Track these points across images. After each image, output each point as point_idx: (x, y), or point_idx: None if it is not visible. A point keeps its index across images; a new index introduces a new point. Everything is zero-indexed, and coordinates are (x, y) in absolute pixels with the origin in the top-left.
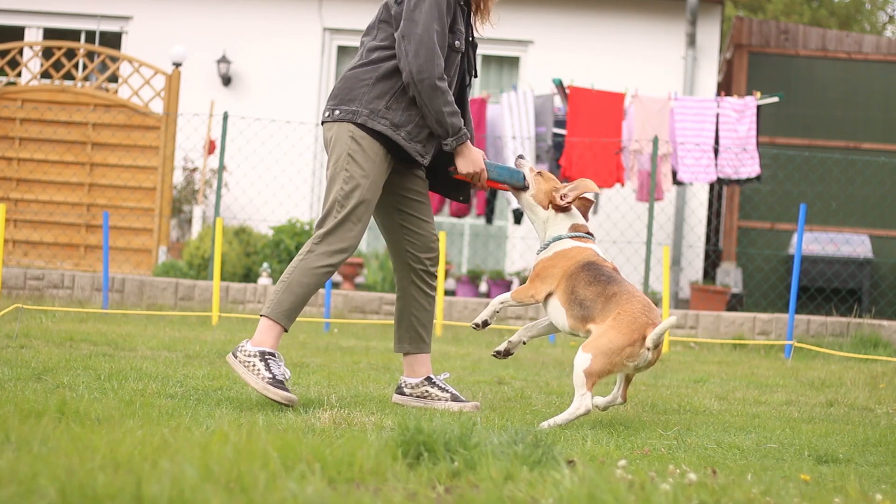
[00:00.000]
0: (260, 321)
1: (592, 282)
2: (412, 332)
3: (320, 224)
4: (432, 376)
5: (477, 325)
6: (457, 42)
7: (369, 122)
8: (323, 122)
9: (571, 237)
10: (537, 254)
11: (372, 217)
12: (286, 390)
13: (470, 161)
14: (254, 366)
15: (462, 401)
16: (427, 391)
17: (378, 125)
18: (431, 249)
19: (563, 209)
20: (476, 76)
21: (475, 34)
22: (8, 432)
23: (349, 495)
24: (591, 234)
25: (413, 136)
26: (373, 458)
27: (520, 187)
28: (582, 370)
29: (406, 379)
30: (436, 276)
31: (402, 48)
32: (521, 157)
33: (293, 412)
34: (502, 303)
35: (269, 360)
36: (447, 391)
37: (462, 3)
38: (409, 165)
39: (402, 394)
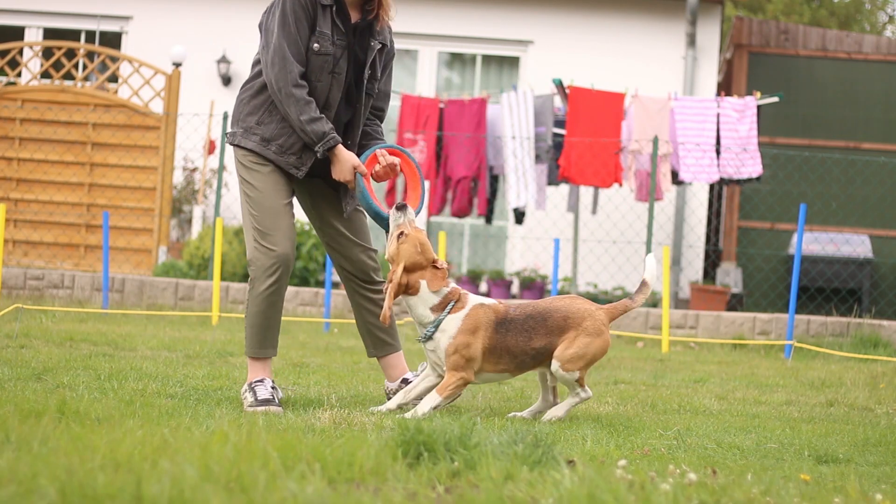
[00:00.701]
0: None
1: (531, 335)
2: (373, 336)
3: (248, 250)
4: (407, 376)
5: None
6: (315, 44)
7: (243, 142)
8: None
9: (449, 312)
10: (423, 342)
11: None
12: (268, 404)
13: (339, 169)
14: (245, 398)
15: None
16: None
17: (249, 142)
18: (365, 268)
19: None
20: (375, 81)
21: (382, 39)
22: (8, 432)
23: (349, 495)
24: (452, 293)
25: (285, 149)
26: (373, 458)
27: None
28: (573, 380)
29: (387, 384)
30: (378, 281)
31: (264, 59)
32: (399, 205)
33: (293, 412)
34: (434, 408)
35: (255, 387)
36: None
37: (326, 3)
38: (317, 181)
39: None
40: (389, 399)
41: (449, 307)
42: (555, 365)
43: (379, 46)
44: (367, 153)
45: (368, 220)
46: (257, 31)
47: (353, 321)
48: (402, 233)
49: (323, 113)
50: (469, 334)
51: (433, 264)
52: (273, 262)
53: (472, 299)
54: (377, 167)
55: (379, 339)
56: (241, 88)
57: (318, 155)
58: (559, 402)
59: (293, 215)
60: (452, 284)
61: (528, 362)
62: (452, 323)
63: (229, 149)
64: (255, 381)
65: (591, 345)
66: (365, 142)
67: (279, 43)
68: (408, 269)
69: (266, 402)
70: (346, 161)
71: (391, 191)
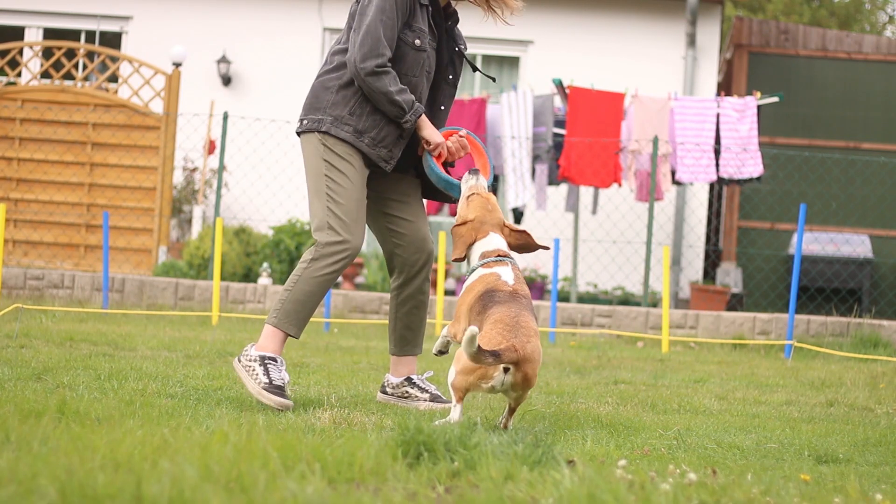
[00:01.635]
0: (264, 327)
1: (481, 311)
2: (398, 335)
3: (318, 234)
4: (413, 376)
5: (435, 353)
6: (416, 41)
7: (333, 130)
8: (297, 133)
9: (481, 265)
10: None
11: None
12: (283, 396)
13: (428, 133)
14: (253, 370)
15: (442, 401)
16: (407, 391)
17: (342, 132)
18: (421, 250)
19: (454, 260)
20: (456, 84)
21: (463, 44)
22: (8, 432)
23: (349, 495)
24: (503, 256)
25: (377, 142)
26: (373, 458)
27: (453, 202)
28: (448, 382)
29: (389, 378)
30: (428, 279)
31: (353, 40)
32: (472, 170)
33: (293, 412)
34: (445, 335)
35: (268, 365)
36: (427, 391)
37: (424, 3)
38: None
39: (385, 393)
40: (383, 391)
41: (485, 261)
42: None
43: (464, 51)
44: (439, 131)
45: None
46: (257, 30)
47: (353, 321)
48: (472, 194)
49: None
50: (467, 292)
51: (504, 225)
52: (345, 249)
53: (501, 269)
54: (449, 142)
55: (403, 338)
56: (323, 76)
57: (409, 125)
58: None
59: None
60: (514, 258)
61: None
62: (474, 276)
63: (229, 149)
64: (269, 358)
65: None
66: None
67: (374, 25)
68: (476, 223)
69: (279, 390)
70: (432, 128)
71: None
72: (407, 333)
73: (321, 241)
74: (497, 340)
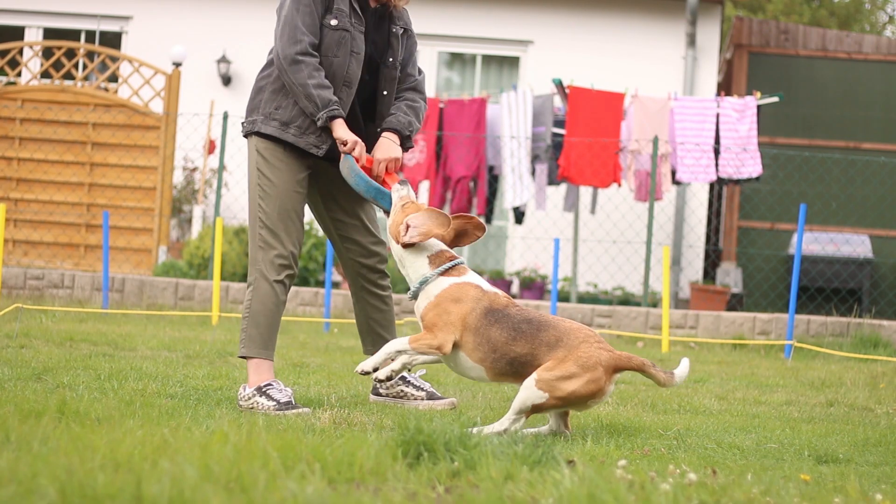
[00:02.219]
0: (247, 363)
1: (518, 336)
2: (374, 334)
3: (252, 248)
4: (407, 375)
5: (365, 371)
6: (333, 20)
7: (263, 128)
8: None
9: (440, 273)
10: (411, 299)
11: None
12: (294, 406)
13: (345, 131)
14: (257, 404)
15: (438, 398)
16: (402, 391)
17: (268, 128)
18: (373, 254)
19: (409, 246)
20: (396, 66)
21: (403, 25)
22: (8, 432)
23: (349, 495)
24: (454, 259)
25: (304, 130)
26: (373, 458)
27: (386, 212)
28: (531, 404)
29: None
30: (386, 275)
31: (274, 36)
32: (402, 181)
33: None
34: (399, 351)
35: (267, 391)
36: (423, 389)
37: None
38: (330, 164)
39: (378, 394)
40: (376, 393)
41: (443, 268)
42: (530, 379)
43: (402, 31)
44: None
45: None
46: (257, 30)
47: (353, 321)
48: (406, 202)
49: (343, 89)
50: (451, 302)
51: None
52: (283, 260)
53: (471, 277)
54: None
55: (379, 337)
56: (259, 78)
57: (320, 122)
58: (568, 432)
59: (303, 215)
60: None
61: (505, 366)
62: (439, 285)
63: (229, 148)
64: (266, 386)
65: (576, 378)
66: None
67: (290, 14)
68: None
69: (289, 405)
70: (345, 127)
71: None
72: (382, 331)
73: (255, 259)
74: (601, 354)
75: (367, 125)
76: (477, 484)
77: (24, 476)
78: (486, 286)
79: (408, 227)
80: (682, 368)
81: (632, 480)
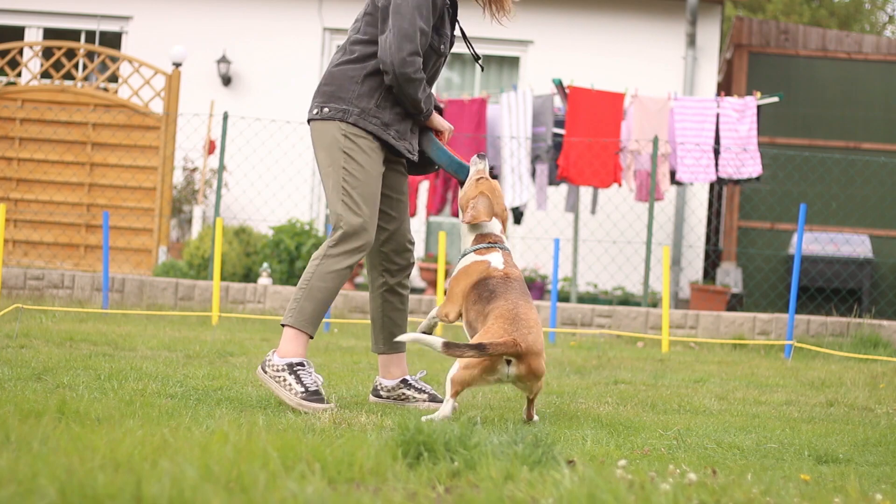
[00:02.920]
0: (284, 331)
1: (477, 300)
2: (386, 332)
3: (335, 227)
4: (408, 377)
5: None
6: (441, 46)
7: (360, 122)
8: (310, 121)
9: (474, 251)
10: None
11: None
12: (321, 400)
13: (441, 120)
14: (284, 380)
15: (440, 400)
16: (404, 393)
17: (370, 125)
18: (406, 249)
19: (468, 222)
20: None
21: (457, 23)
22: (8, 432)
23: (349, 495)
24: (495, 243)
25: (402, 135)
26: (373, 458)
27: (461, 182)
28: (448, 376)
29: (381, 381)
30: (409, 276)
31: (385, 39)
32: (481, 155)
33: (293, 412)
34: (434, 316)
35: (298, 372)
36: (424, 391)
37: (449, 5)
38: (393, 161)
39: (379, 396)
40: (377, 395)
41: (476, 247)
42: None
43: (460, 31)
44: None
45: None
46: (257, 30)
47: (354, 321)
48: (481, 178)
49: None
50: (463, 276)
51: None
52: (361, 244)
53: (491, 256)
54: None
55: (391, 336)
56: (344, 65)
57: (423, 119)
58: (534, 419)
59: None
60: (506, 244)
61: (470, 331)
62: (464, 261)
63: (229, 149)
64: (297, 365)
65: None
66: None
67: (413, 29)
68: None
69: (318, 395)
70: (440, 117)
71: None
72: (397, 330)
73: (334, 235)
74: (499, 335)
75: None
76: (477, 484)
77: (24, 476)
78: (496, 262)
79: (468, 208)
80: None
81: (632, 480)
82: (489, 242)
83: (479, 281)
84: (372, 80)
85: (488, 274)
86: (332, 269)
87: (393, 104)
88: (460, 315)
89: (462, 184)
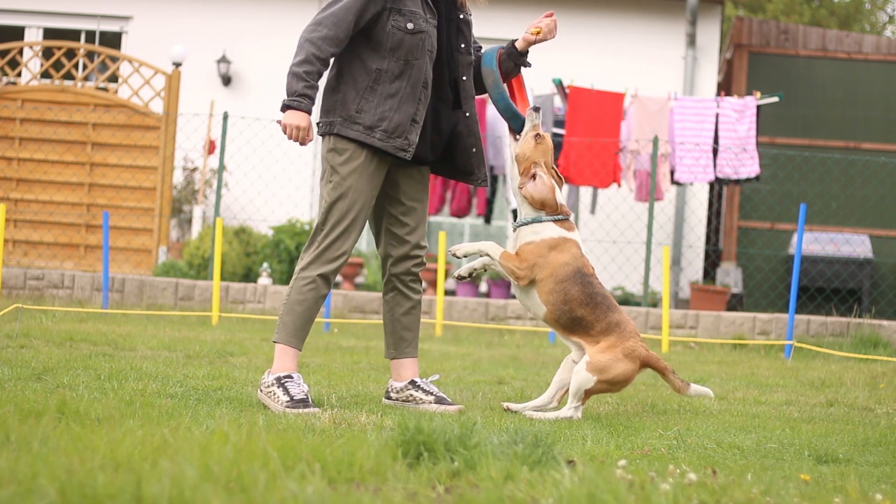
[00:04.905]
0: (275, 347)
1: (588, 303)
2: (396, 336)
3: (312, 239)
4: (416, 379)
5: (461, 276)
6: (409, 24)
7: (343, 131)
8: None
9: (554, 221)
10: (516, 226)
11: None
12: (307, 406)
13: (289, 120)
14: (273, 394)
15: (446, 403)
16: (411, 395)
17: (351, 132)
18: (416, 256)
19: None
20: (469, 52)
21: (468, 11)
22: (8, 432)
23: (349, 495)
24: (567, 216)
25: (390, 134)
26: (373, 458)
27: (513, 132)
28: (583, 389)
29: (392, 383)
30: (420, 280)
31: (318, 18)
32: (536, 108)
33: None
34: (488, 255)
35: (286, 383)
36: (431, 394)
37: None
38: (402, 165)
39: (389, 398)
40: (388, 397)
41: (556, 217)
42: (584, 360)
43: (470, 16)
44: (492, 53)
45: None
46: (257, 30)
47: (353, 321)
48: (538, 133)
49: (422, 92)
50: (550, 249)
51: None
52: (337, 256)
53: (576, 235)
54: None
55: (402, 340)
56: (329, 77)
57: (287, 100)
58: (556, 404)
59: (367, 217)
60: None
61: (566, 319)
62: (549, 231)
63: (229, 149)
64: (285, 378)
65: (620, 365)
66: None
67: (343, 10)
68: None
69: (303, 402)
70: (299, 119)
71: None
72: (406, 334)
73: (309, 249)
74: (643, 353)
75: (455, 111)
76: (477, 484)
77: (24, 476)
78: (583, 249)
79: (534, 178)
80: (703, 389)
81: (632, 480)
82: (564, 214)
83: (578, 270)
84: (345, 84)
85: (584, 264)
86: (306, 281)
87: (378, 104)
88: (532, 282)
89: (513, 133)
